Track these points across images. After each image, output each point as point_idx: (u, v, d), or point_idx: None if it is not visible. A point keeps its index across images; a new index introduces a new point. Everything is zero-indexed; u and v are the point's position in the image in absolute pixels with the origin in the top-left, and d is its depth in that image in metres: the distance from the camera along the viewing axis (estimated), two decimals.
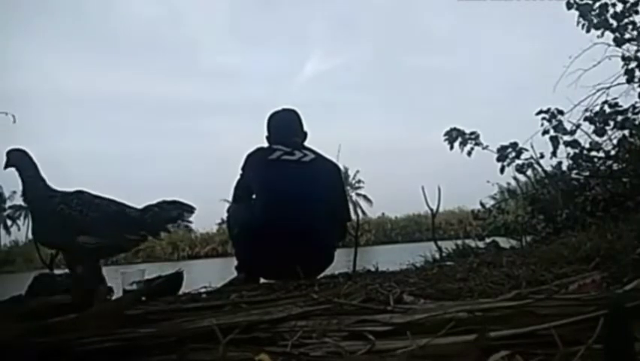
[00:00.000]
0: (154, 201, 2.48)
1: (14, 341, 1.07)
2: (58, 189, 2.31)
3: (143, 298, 2.01)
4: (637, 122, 4.60)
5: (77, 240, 2.19)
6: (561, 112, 4.82)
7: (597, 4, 4.74)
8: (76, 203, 2.22)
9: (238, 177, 3.09)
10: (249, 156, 3.07)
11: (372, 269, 3.00)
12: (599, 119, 4.67)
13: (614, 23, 4.68)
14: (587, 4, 4.76)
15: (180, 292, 2.42)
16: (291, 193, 2.88)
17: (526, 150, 4.87)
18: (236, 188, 3.10)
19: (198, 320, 1.28)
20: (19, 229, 44.94)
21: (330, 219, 3.01)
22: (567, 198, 4.66)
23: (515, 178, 7.26)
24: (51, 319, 1.22)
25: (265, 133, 3.28)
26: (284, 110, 3.32)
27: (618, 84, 4.81)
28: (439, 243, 4.43)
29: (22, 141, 2.65)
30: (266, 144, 3.18)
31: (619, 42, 4.66)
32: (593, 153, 4.72)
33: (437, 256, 4.23)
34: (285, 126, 3.23)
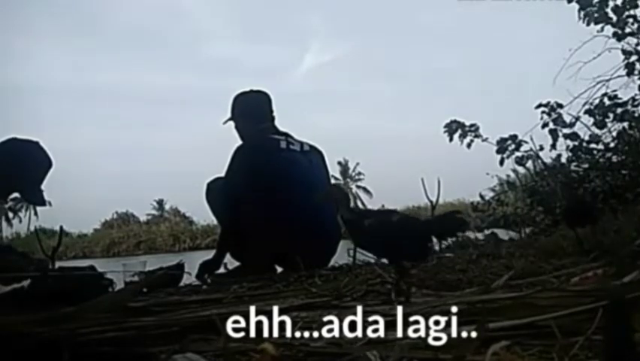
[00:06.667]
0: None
1: (15, 332, 1.07)
2: None
3: (145, 290, 2.02)
4: (636, 115, 4.59)
5: None
6: (560, 105, 4.81)
7: None
8: None
9: (241, 167, 2.89)
10: (257, 146, 2.97)
11: (372, 261, 3.00)
12: (598, 112, 4.66)
13: (614, 17, 4.65)
14: None
15: (181, 284, 2.43)
16: (307, 183, 2.86)
17: (526, 142, 4.86)
18: (243, 178, 2.86)
19: (199, 311, 1.29)
20: (20, 221, 45.06)
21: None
22: (566, 191, 4.67)
23: (515, 170, 7.27)
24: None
25: (229, 115, 3.14)
26: (253, 91, 3.19)
27: (618, 77, 4.80)
28: None
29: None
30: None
31: (619, 37, 4.64)
32: (593, 146, 4.72)
33: (436, 247, 4.23)
34: (263, 110, 3.13)
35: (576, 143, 4.69)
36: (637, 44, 4.65)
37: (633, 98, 4.59)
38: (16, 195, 2.80)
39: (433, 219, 2.58)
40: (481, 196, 5.62)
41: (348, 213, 2.73)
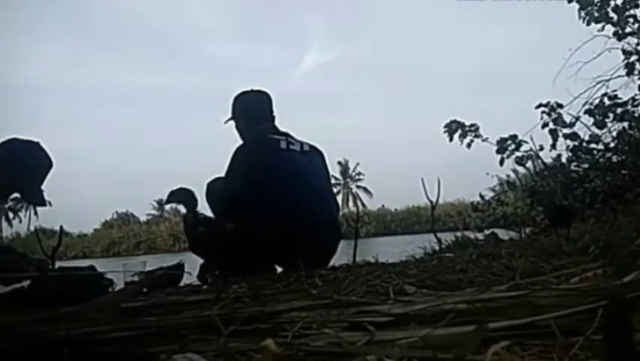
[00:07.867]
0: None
1: (18, 331, 1.07)
2: None
3: (145, 290, 2.02)
4: (636, 115, 4.59)
5: None
6: (560, 105, 4.82)
7: None
8: None
9: (241, 167, 2.89)
10: (257, 146, 2.98)
11: (372, 261, 3.00)
12: (598, 112, 4.67)
13: (615, 17, 4.65)
14: None
15: (181, 284, 2.43)
16: (307, 183, 2.90)
17: (526, 142, 4.88)
18: (243, 178, 2.86)
19: (199, 310, 1.29)
20: (20, 221, 45.18)
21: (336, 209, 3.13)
22: (566, 191, 4.67)
23: (515, 170, 7.29)
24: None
25: (230, 115, 3.15)
26: (254, 90, 3.20)
27: (618, 76, 4.80)
28: (439, 234, 4.43)
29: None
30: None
31: (620, 36, 4.64)
32: (593, 146, 4.72)
33: (436, 247, 4.23)
34: (263, 110, 3.14)
35: (576, 143, 4.70)
36: (637, 44, 4.66)
37: (633, 98, 4.60)
38: (16, 195, 2.80)
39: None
40: (481, 196, 5.63)
41: (190, 217, 3.03)
